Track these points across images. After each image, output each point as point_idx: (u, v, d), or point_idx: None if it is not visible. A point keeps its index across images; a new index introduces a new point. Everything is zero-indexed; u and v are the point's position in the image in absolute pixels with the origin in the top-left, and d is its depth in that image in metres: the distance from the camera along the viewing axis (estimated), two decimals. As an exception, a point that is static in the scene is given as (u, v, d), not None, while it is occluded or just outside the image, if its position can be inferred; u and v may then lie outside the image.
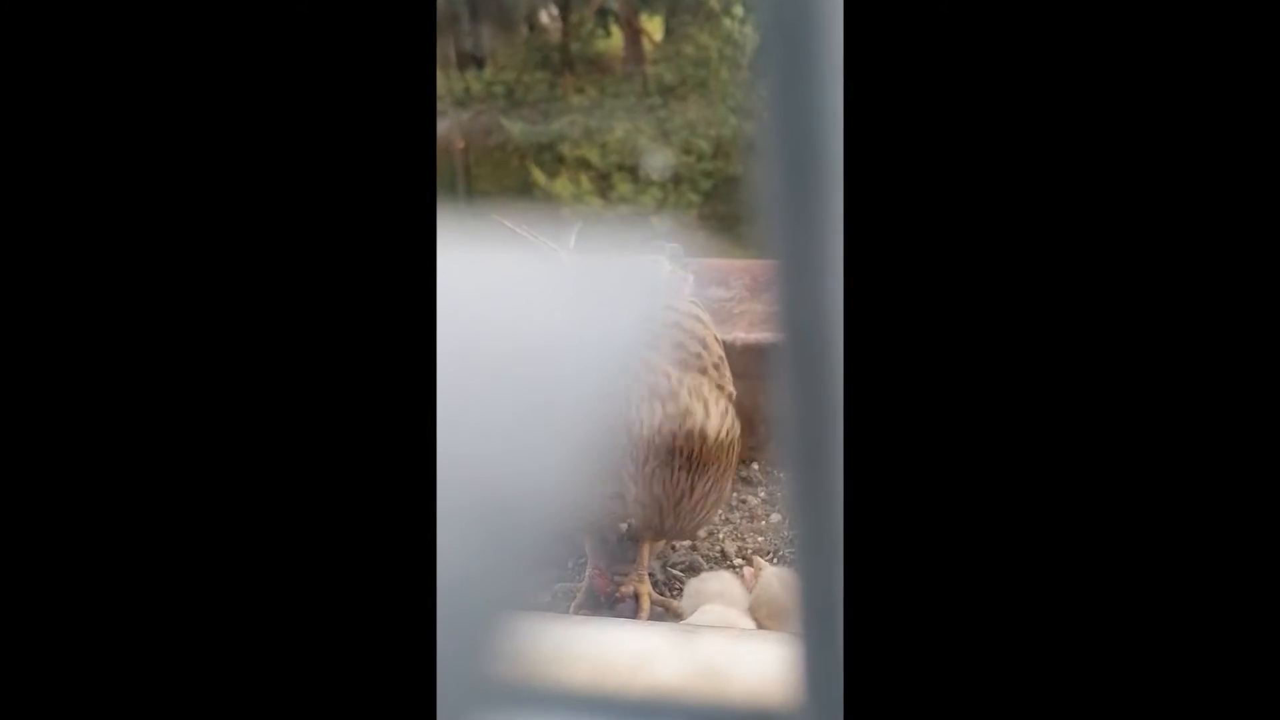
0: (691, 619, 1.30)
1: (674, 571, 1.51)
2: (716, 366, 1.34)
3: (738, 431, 1.31)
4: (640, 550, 1.45)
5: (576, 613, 1.42)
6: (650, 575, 1.47)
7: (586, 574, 1.47)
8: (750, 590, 1.35)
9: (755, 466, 1.72)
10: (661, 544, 1.44)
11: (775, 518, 1.63)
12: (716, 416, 1.28)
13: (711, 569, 1.43)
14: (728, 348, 1.43)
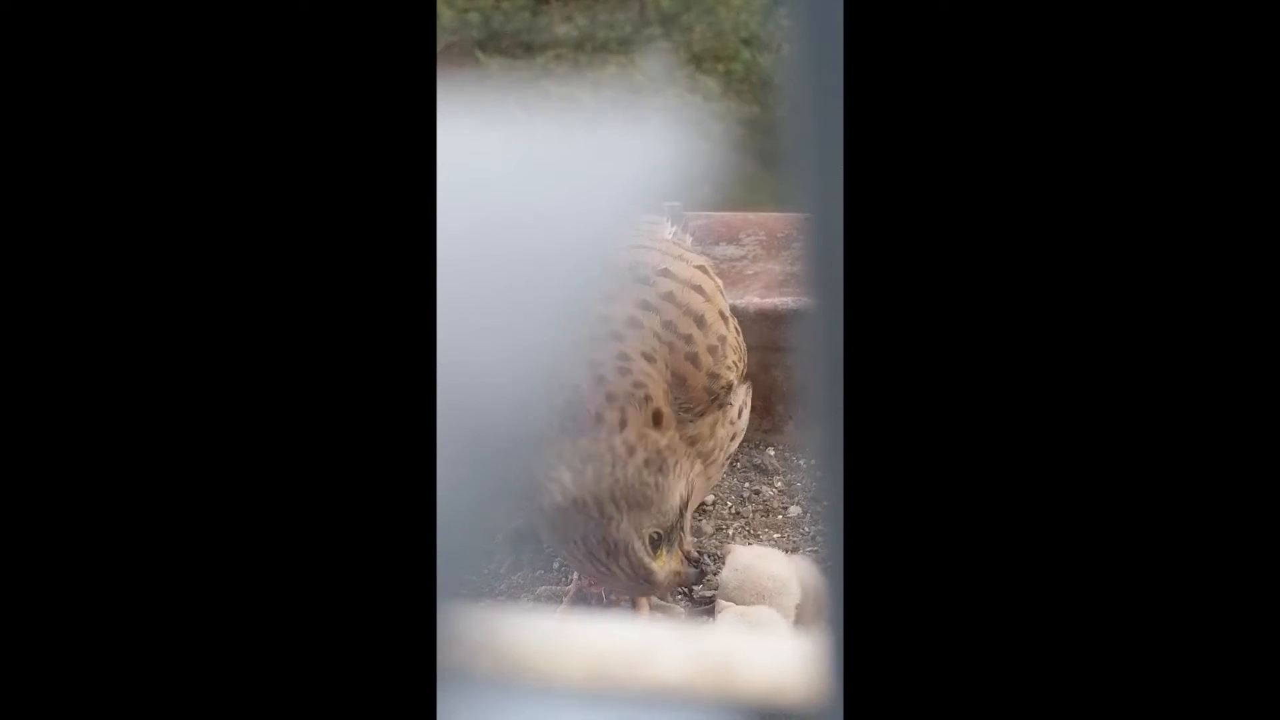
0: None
1: (676, 573, 1.52)
2: (712, 350, 1.33)
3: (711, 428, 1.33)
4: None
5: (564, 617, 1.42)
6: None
7: (574, 577, 1.48)
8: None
9: (771, 452, 1.73)
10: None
11: (794, 511, 1.63)
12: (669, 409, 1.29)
13: (718, 570, 1.44)
14: (738, 313, 1.43)
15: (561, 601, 1.48)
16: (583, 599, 1.46)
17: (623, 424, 1.26)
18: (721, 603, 1.37)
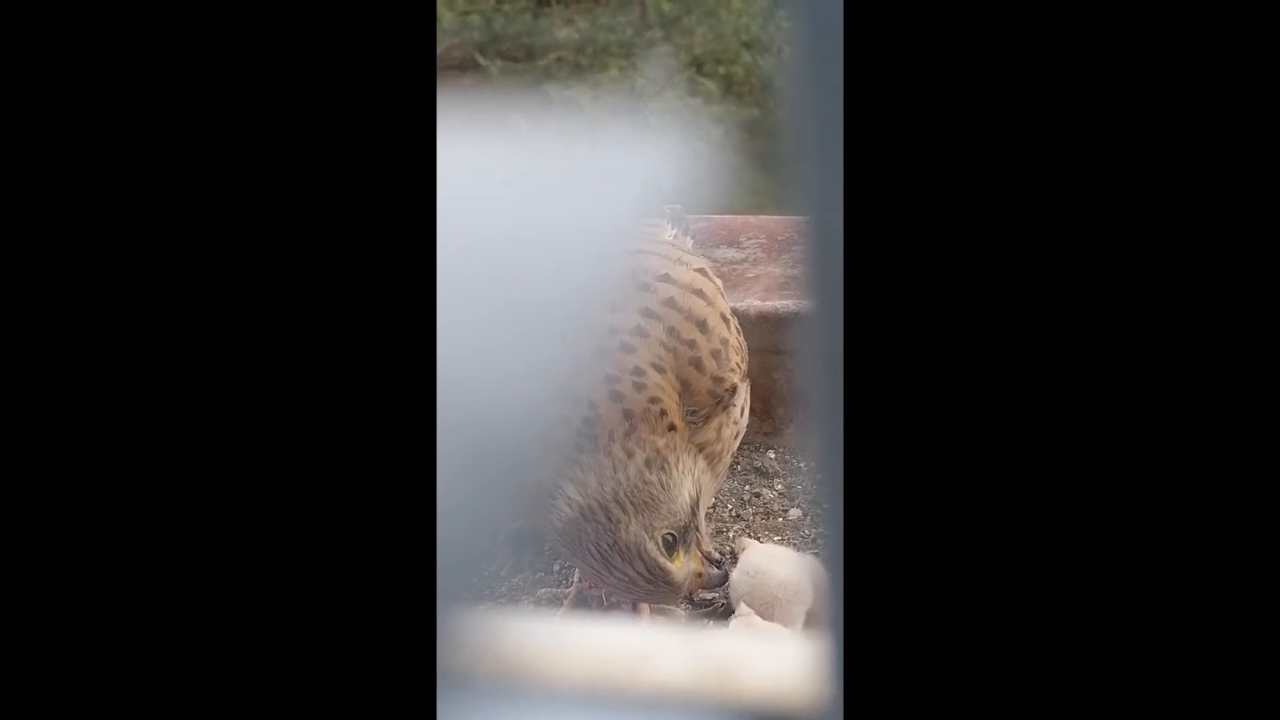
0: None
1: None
2: (715, 355, 1.33)
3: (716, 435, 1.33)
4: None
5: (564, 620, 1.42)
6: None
7: (575, 579, 1.48)
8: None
9: (771, 455, 1.73)
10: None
11: (795, 513, 1.63)
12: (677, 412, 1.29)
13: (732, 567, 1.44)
14: (739, 316, 1.43)
15: (562, 604, 1.48)
16: (583, 602, 1.46)
17: (629, 435, 1.27)
18: (743, 606, 1.37)
